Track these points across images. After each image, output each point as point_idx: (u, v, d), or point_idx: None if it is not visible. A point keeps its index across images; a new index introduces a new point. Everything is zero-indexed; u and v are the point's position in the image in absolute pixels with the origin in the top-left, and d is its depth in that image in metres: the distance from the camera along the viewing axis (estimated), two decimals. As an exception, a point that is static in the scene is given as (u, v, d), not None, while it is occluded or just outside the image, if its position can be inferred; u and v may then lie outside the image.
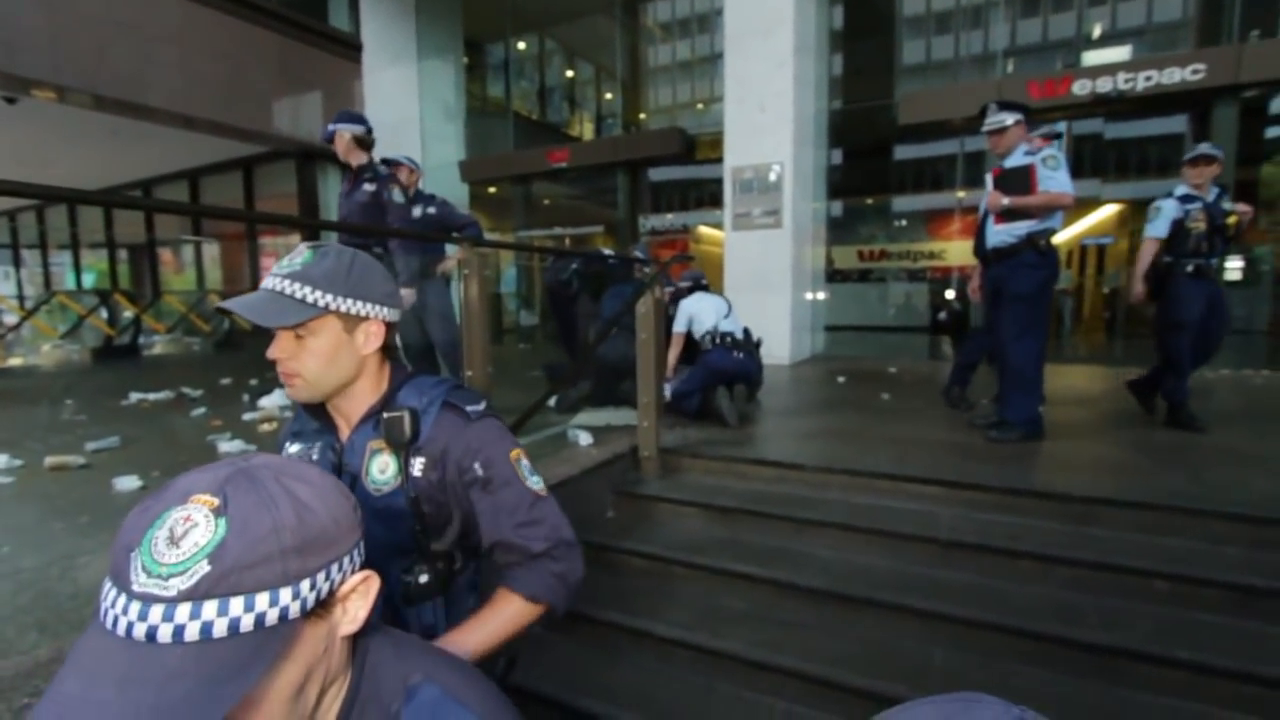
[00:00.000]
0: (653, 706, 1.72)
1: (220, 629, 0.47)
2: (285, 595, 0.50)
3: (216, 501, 0.50)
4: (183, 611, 0.46)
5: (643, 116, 10.40)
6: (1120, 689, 1.62)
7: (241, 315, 0.85)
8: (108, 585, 0.49)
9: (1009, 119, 3.01)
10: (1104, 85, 5.92)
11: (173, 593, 0.46)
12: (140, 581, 0.47)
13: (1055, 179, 2.89)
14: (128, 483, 2.41)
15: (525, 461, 1.02)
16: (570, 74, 11.63)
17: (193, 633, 0.46)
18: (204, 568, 0.47)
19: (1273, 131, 6.65)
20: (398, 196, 3.13)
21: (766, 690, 1.76)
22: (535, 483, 1.01)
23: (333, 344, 0.91)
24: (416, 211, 3.81)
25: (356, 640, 0.62)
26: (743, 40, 6.10)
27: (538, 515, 0.99)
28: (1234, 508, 2.06)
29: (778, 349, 5.93)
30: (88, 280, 13.71)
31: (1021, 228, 2.94)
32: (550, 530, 0.99)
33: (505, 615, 0.98)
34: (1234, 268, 6.71)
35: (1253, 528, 2.01)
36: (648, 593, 2.14)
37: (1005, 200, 2.95)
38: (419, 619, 1.00)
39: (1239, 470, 2.48)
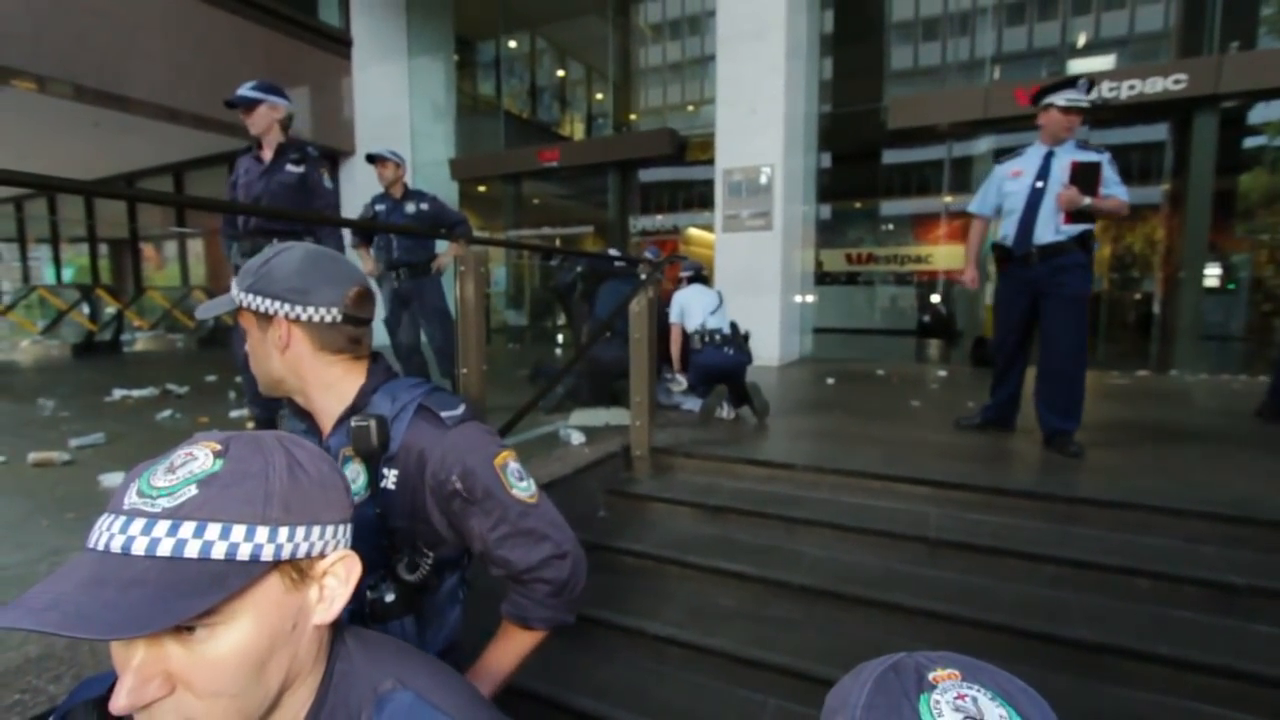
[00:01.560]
0: (645, 705, 1.72)
1: (192, 549, 0.48)
2: (261, 534, 0.51)
3: (219, 446, 0.54)
4: (161, 527, 0.48)
5: (634, 117, 10.41)
6: (1104, 685, 1.66)
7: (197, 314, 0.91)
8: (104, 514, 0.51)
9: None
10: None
11: (157, 510, 0.49)
12: (130, 501, 0.50)
13: (1119, 184, 2.69)
14: (114, 479, 2.37)
15: (513, 465, 0.94)
16: (561, 73, 11.61)
17: (165, 548, 0.48)
18: (191, 491, 0.50)
19: (1251, 142, 6.79)
20: (328, 181, 2.98)
21: (758, 688, 1.77)
22: (523, 490, 0.93)
23: (254, 340, 0.90)
24: (410, 208, 3.77)
25: (329, 645, 0.61)
26: (734, 43, 6.13)
27: (525, 527, 0.91)
28: (1211, 507, 2.11)
29: (767, 351, 5.96)
30: (68, 275, 13.46)
31: (1078, 226, 2.72)
32: (538, 542, 0.92)
33: (511, 646, 0.97)
34: (1212, 275, 6.85)
35: (1228, 526, 2.06)
36: (640, 591, 2.15)
37: (1087, 200, 2.62)
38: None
39: (1220, 472, 2.53)
